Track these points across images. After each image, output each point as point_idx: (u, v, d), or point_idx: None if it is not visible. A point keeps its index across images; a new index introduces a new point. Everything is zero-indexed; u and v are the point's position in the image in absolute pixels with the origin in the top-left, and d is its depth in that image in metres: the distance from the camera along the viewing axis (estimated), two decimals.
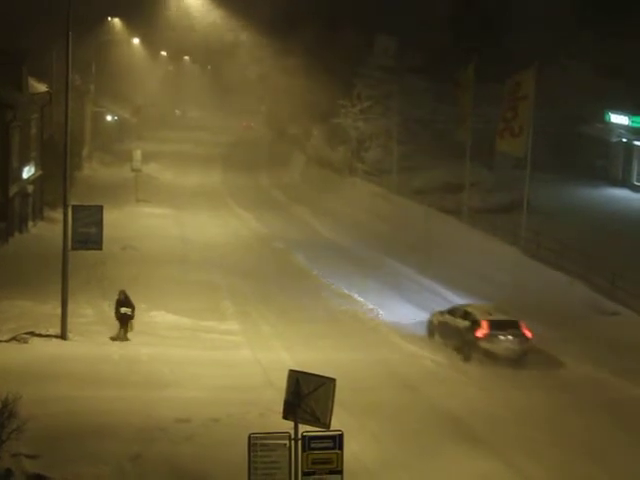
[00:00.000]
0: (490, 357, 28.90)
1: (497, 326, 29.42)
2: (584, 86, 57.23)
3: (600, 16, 58.57)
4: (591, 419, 23.84)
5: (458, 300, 36.20)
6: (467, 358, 29.27)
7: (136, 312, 31.62)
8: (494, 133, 45.95)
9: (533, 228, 41.40)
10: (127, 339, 28.26)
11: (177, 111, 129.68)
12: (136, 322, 30.50)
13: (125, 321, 28.49)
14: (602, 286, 35.24)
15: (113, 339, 28.22)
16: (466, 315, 30.23)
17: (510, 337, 29.29)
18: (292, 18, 75.53)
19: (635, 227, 44.37)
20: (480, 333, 29.33)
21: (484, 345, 29.03)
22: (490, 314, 30.19)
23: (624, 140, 56.62)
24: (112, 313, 31.25)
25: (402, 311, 34.68)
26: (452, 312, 31.11)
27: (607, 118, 57.18)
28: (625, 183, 56.32)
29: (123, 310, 28.46)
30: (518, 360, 28.95)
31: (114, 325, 29.85)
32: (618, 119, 56.41)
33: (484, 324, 29.47)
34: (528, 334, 29.57)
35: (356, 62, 64.73)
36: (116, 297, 29.09)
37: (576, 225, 43.84)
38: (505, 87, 43.55)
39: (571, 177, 55.76)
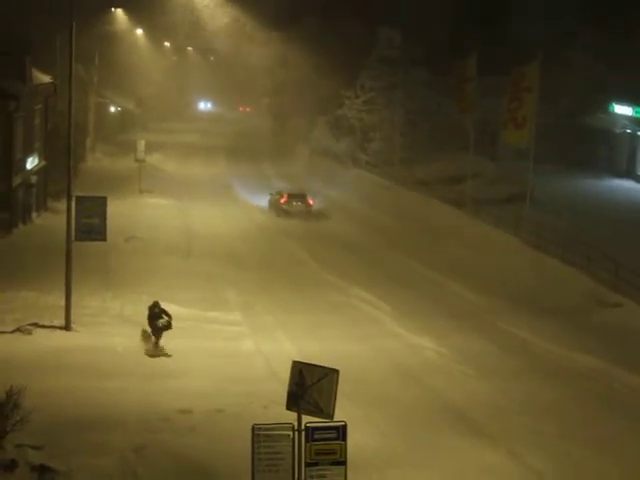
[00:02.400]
0: (288, 213, 52.87)
1: (292, 197, 54.36)
2: (588, 77, 57.20)
3: (603, 7, 58.50)
4: (594, 409, 23.87)
5: (462, 292, 36.40)
6: (278, 215, 53.31)
7: (139, 303, 31.73)
8: (497, 124, 45.90)
9: (536, 219, 41.38)
10: (165, 353, 26.37)
11: (187, 103, 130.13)
12: (139, 313, 30.55)
13: (161, 332, 26.70)
14: (605, 277, 35.23)
15: (150, 355, 26.27)
16: (279, 193, 55.21)
17: (299, 203, 53.94)
18: (296, 9, 75.48)
19: (639, 218, 44.32)
20: (282, 200, 54.13)
21: (284, 207, 53.57)
22: (290, 192, 55.29)
23: (628, 131, 56.57)
24: (113, 304, 31.39)
25: (405, 303, 34.68)
26: (276, 193, 55.52)
27: (611, 109, 57.14)
28: (629, 174, 56.28)
29: (162, 322, 26.63)
30: (303, 215, 52.91)
31: (118, 317, 29.89)
32: (622, 110, 56.36)
33: (285, 196, 54.52)
34: (310, 202, 54.25)
35: (360, 54, 64.70)
36: (149, 308, 27.17)
37: (579, 216, 43.80)
38: (510, 78, 43.50)
39: (575, 168, 55.72)
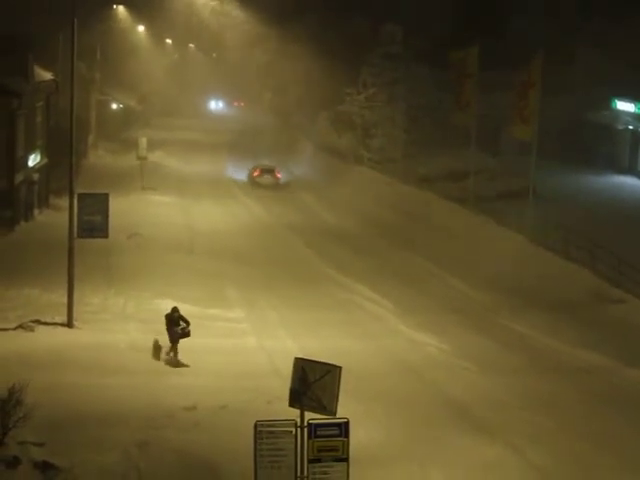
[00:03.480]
0: (259, 185, 62.18)
1: (263, 171, 63.90)
2: (590, 73, 57.12)
3: (605, 2, 58.44)
4: (594, 404, 23.91)
5: (464, 288, 36.42)
6: (251, 185, 62.93)
7: (141, 300, 31.76)
8: (499, 120, 45.79)
9: (538, 215, 41.36)
10: (180, 363, 25.39)
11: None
12: (141, 310, 30.59)
13: (179, 339, 25.66)
14: (607, 273, 35.22)
15: (170, 364, 25.34)
16: (254, 167, 64.94)
17: (269, 176, 63.32)
18: (298, 6, 75.42)
19: None
20: (255, 173, 63.97)
21: (257, 180, 63.17)
22: (262, 167, 64.82)
23: (630, 127, 56.49)
24: (116, 301, 31.39)
25: (407, 300, 34.66)
26: (252, 168, 64.99)
27: (614, 105, 57.06)
28: (631, 170, 56.19)
29: (179, 329, 25.62)
30: (272, 186, 62.15)
31: (120, 314, 29.89)
32: (624, 106, 56.29)
33: (257, 169, 64.31)
34: (278, 175, 63.89)
35: (362, 49, 64.62)
36: (167, 315, 26.14)
37: (582, 212, 43.76)
38: (514, 74, 43.49)
39: (577, 164, 55.64)
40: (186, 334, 25.68)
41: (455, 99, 49.84)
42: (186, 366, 25.15)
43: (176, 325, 25.72)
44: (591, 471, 19.66)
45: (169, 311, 26.18)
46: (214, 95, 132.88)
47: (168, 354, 25.75)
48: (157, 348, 26.06)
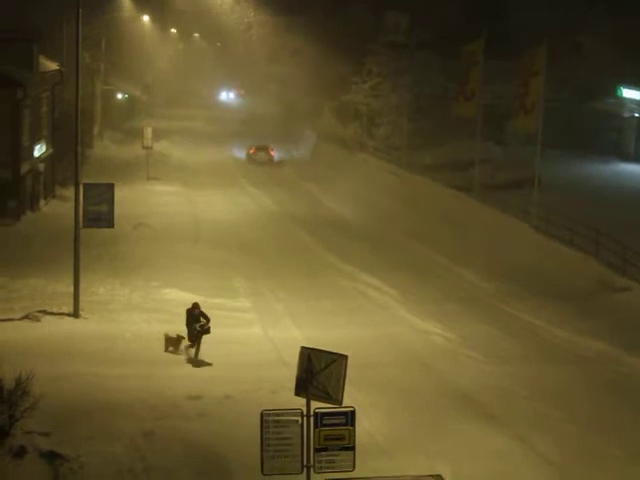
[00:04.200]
0: (254, 161, 68.98)
1: (258, 149, 70.74)
2: (596, 61, 56.99)
3: None
4: (601, 393, 23.88)
5: (470, 277, 36.43)
6: (248, 161, 69.84)
7: (147, 290, 31.78)
8: (504, 109, 45.68)
9: (544, 204, 41.30)
10: (202, 361, 24.76)
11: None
12: (147, 300, 30.62)
13: (200, 336, 25.03)
14: (613, 262, 35.17)
15: (190, 362, 24.72)
16: (250, 146, 71.59)
17: (263, 153, 70.18)
18: None
19: None
20: (251, 151, 70.91)
21: (252, 156, 70.12)
22: (257, 145, 71.46)
23: (636, 115, 56.38)
24: (122, 291, 31.43)
25: (413, 289, 34.65)
26: (249, 146, 71.69)
27: (619, 93, 56.92)
28: (637, 158, 56.11)
29: (199, 324, 24.98)
30: (266, 163, 68.71)
31: (126, 304, 29.91)
32: (630, 94, 56.15)
33: (252, 148, 71.08)
34: (271, 153, 70.59)
35: (367, 38, 64.49)
36: (188, 310, 25.49)
37: (587, 201, 43.69)
38: (519, 63, 43.37)
39: (582, 152, 55.53)
40: (205, 331, 25.03)
41: (460, 89, 49.73)
42: (208, 364, 24.45)
43: (196, 321, 25.07)
44: (598, 460, 19.65)
45: (190, 306, 25.56)
46: (225, 86, 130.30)
47: (187, 350, 25.14)
48: (169, 340, 25.47)
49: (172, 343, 25.38)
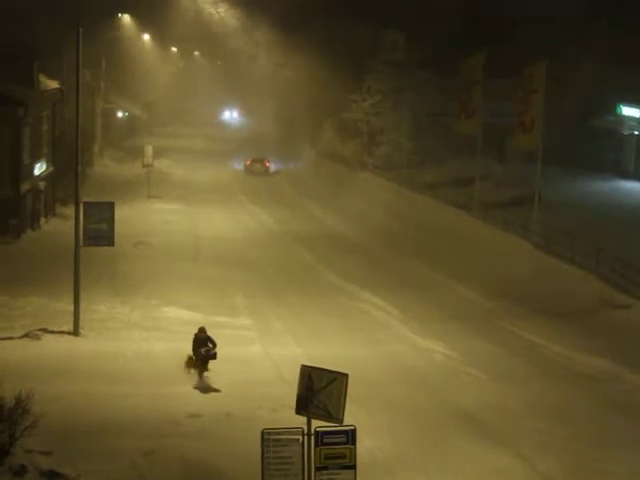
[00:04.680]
0: (251, 172, 74.43)
1: (254, 161, 76.43)
2: (595, 79, 57.08)
3: (610, 8, 58.44)
4: (602, 411, 23.79)
5: (471, 295, 36.39)
6: (246, 172, 75.30)
7: (147, 308, 31.74)
8: (504, 127, 45.73)
9: (544, 221, 41.32)
10: (209, 387, 23.99)
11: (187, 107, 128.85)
12: (147, 318, 30.58)
13: (207, 361, 24.44)
14: (613, 279, 35.15)
15: (197, 387, 23.93)
16: (247, 158, 77.17)
17: (259, 165, 75.88)
18: (301, 12, 75.47)
19: None
20: (248, 163, 76.42)
21: (249, 167, 75.63)
22: (254, 157, 77.38)
23: (636, 132, 56.45)
24: (122, 309, 31.39)
25: (413, 307, 34.62)
26: (246, 158, 77.39)
27: (619, 110, 57.01)
28: (637, 176, 56.14)
29: (205, 349, 24.37)
30: (262, 173, 74.30)
31: (126, 322, 29.87)
32: (630, 111, 56.25)
33: (249, 160, 76.74)
34: (267, 164, 76.38)
35: (366, 56, 64.63)
36: (195, 335, 24.89)
37: (588, 218, 43.69)
38: (518, 81, 43.47)
39: (582, 170, 55.58)
40: (210, 356, 24.44)
41: (462, 107, 49.80)
42: (217, 391, 23.72)
43: (202, 346, 24.55)
44: (599, 478, 19.58)
45: (197, 331, 24.97)
46: (228, 105, 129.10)
47: (198, 376, 24.33)
48: (189, 362, 24.65)
49: (193, 365, 24.71)
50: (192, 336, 25.10)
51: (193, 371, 24.54)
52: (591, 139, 57.38)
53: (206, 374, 24.40)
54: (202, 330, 24.97)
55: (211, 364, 24.92)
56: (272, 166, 77.30)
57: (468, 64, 48.90)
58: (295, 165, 77.63)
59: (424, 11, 63.06)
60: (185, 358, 24.87)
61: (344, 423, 14.07)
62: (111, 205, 29.43)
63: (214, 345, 24.60)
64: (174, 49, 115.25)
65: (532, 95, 42.05)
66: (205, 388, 23.92)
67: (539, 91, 41.54)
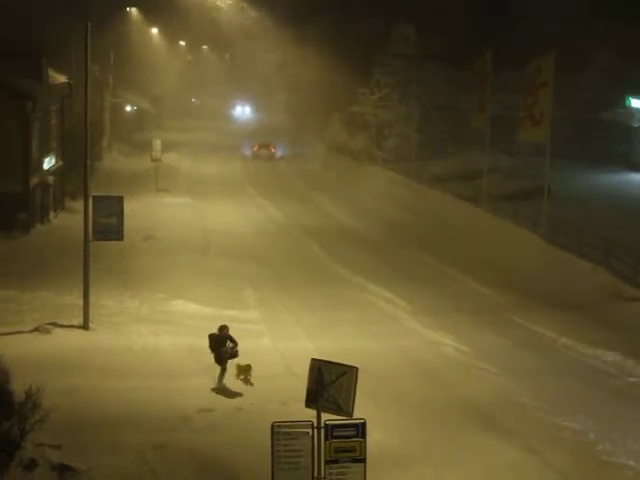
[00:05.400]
0: (258, 157, 78.80)
1: (261, 146, 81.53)
2: (605, 71, 56.97)
3: (619, 1, 58.28)
4: (614, 405, 23.71)
5: (480, 288, 36.33)
6: (252, 157, 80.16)
7: (157, 302, 31.73)
8: (513, 120, 45.65)
9: (553, 215, 41.23)
10: (228, 389, 23.13)
11: (193, 99, 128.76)
12: (157, 312, 30.58)
13: (227, 361, 23.52)
14: (624, 272, 35.07)
15: (215, 390, 23.04)
16: (253, 143, 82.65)
17: (265, 150, 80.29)
18: (311, 7, 75.45)
19: None
20: (255, 148, 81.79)
21: (256, 153, 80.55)
22: (260, 142, 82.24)
23: None
24: (131, 303, 31.39)
25: (423, 300, 34.57)
26: (253, 143, 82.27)
27: (628, 103, 56.89)
28: None
29: (225, 349, 23.44)
30: (268, 158, 78.09)
31: (135, 316, 29.88)
32: (639, 104, 56.10)
33: (256, 145, 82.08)
34: (272, 150, 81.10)
35: (374, 50, 64.57)
36: (215, 333, 23.82)
37: (597, 211, 43.63)
38: (525, 74, 43.37)
39: (591, 163, 55.47)
40: (234, 355, 23.68)
41: (477, 102, 49.71)
42: (239, 395, 22.80)
43: (221, 345, 23.57)
44: (613, 472, 19.53)
45: (216, 331, 23.86)
46: (239, 99, 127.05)
47: (218, 377, 23.37)
48: (240, 369, 23.72)
49: (242, 371, 23.86)
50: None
51: (242, 377, 23.59)
52: (600, 132, 57.27)
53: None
54: (224, 328, 23.96)
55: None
56: (278, 152, 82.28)
57: (481, 60, 48.85)
58: (304, 158, 77.61)
59: (434, 3, 62.97)
60: (235, 370, 23.68)
61: (354, 416, 14.05)
62: (120, 199, 29.40)
63: (235, 344, 23.78)
64: (182, 43, 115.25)
65: (541, 88, 41.94)
66: (222, 388, 23.23)
67: (548, 84, 41.44)
